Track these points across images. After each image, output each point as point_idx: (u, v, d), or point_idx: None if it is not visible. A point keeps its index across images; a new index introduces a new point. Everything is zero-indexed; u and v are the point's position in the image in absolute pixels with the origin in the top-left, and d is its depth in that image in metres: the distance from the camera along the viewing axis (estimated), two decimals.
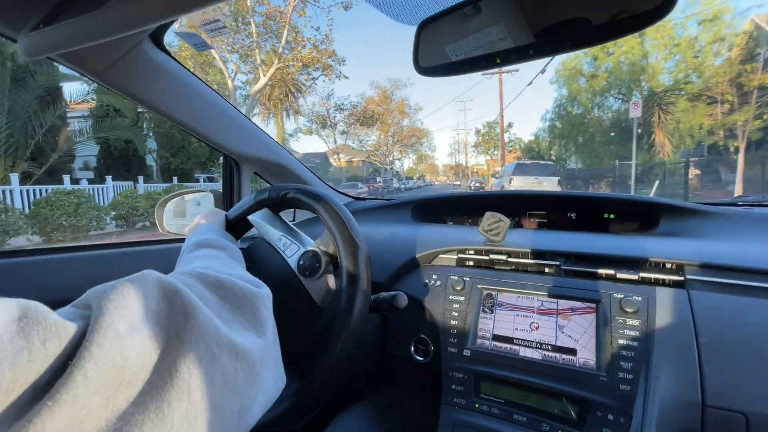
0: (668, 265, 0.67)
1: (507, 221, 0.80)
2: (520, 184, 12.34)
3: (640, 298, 0.64)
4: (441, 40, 0.63)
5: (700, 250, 0.70)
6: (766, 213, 0.84)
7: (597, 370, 0.61)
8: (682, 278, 0.65)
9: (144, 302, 0.26)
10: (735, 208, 0.88)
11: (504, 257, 0.77)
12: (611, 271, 0.69)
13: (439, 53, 0.63)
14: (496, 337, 0.70)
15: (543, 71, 13.75)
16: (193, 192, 1.31)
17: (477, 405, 0.68)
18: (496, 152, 31.86)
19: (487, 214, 0.81)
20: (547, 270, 0.75)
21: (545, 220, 1.06)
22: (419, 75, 0.61)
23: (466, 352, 0.70)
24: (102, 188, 9.42)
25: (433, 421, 0.70)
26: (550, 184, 12.22)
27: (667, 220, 0.89)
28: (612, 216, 0.99)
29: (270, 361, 0.37)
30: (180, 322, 0.28)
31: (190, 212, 1.29)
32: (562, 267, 0.74)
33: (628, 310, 0.63)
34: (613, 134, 16.55)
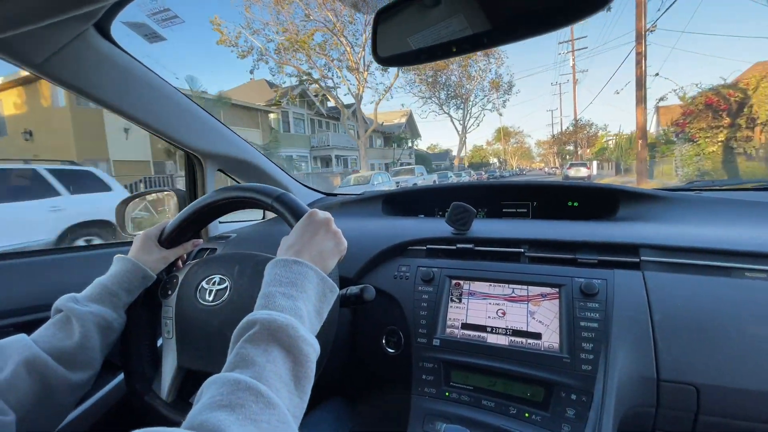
0: (624, 248, 0.70)
1: (472, 211, 0.81)
2: None
3: (599, 281, 0.66)
4: (401, 30, 0.63)
5: (653, 232, 0.74)
6: (714, 196, 0.89)
7: (560, 353, 0.63)
8: (637, 260, 0.68)
9: None
10: (688, 192, 0.93)
11: (470, 246, 0.78)
12: (571, 256, 0.71)
13: (399, 43, 0.63)
14: (465, 326, 0.71)
15: None
16: (156, 192, 1.26)
17: (447, 394, 0.68)
18: None
19: (453, 204, 0.82)
20: (511, 257, 0.76)
21: (512, 210, 1.08)
22: None
23: (436, 342, 0.71)
24: None
25: (405, 413, 0.70)
26: None
27: (625, 206, 0.92)
28: (575, 204, 1.02)
29: None
30: None
31: (151, 213, 1.23)
32: (525, 254, 0.75)
33: (588, 292, 0.65)
34: None
